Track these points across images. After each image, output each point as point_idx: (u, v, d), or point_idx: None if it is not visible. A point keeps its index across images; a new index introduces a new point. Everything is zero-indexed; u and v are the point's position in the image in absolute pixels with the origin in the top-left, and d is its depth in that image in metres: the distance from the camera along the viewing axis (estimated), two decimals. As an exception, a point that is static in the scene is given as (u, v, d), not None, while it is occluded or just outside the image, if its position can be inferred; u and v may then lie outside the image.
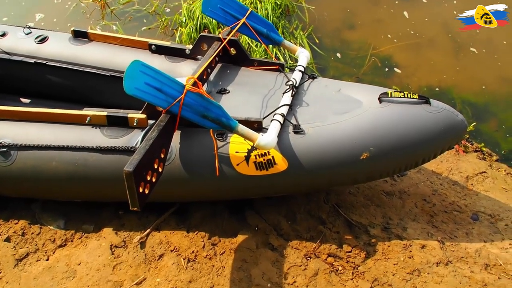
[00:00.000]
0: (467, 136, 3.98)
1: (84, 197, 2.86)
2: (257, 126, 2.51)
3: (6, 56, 3.29)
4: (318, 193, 3.08)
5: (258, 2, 4.86)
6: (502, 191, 3.42)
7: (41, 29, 3.55)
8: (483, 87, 4.50)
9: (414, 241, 2.81)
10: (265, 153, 2.47)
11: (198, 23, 4.72)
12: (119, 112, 2.64)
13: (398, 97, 2.61)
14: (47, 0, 5.42)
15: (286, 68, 3.12)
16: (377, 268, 2.67)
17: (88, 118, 2.62)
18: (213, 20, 4.67)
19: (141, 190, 2.07)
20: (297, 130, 2.53)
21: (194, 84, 2.33)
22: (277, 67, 3.04)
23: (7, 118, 2.71)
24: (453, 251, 2.80)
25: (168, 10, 5.24)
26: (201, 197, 2.79)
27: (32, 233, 2.86)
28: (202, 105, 2.31)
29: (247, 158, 2.49)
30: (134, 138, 2.57)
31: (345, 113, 2.58)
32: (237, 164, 2.50)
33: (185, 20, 4.84)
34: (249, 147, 2.48)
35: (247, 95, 2.84)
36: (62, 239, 2.84)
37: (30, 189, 2.80)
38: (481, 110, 4.32)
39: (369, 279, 2.63)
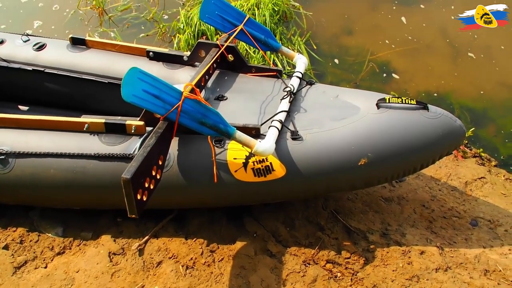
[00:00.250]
0: (466, 141, 3.98)
1: (82, 205, 2.86)
2: (255, 132, 2.51)
3: (4, 64, 3.29)
4: (317, 199, 3.08)
5: (256, 9, 4.87)
6: (501, 197, 3.41)
7: (39, 36, 3.55)
8: (482, 92, 4.50)
9: (413, 247, 2.81)
10: (263, 159, 2.47)
11: (196, 29, 4.72)
12: (117, 119, 2.64)
13: (396, 103, 2.61)
14: (45, 7, 5.43)
15: (284, 75, 3.12)
16: (376, 275, 2.67)
17: (86, 125, 2.62)
18: (211, 27, 4.67)
19: (139, 197, 2.07)
20: (295, 136, 2.53)
21: (192, 91, 2.33)
22: (275, 73, 3.04)
23: (5, 126, 2.71)
24: (452, 257, 2.80)
25: (166, 16, 5.25)
26: (199, 203, 2.79)
27: (30, 241, 2.86)
28: (200, 111, 2.31)
29: (245, 164, 2.49)
30: (132, 145, 2.57)
31: (343, 119, 2.58)
32: (235, 171, 2.50)
33: (183, 26, 4.84)
34: (247, 154, 2.48)
35: (245, 101, 2.84)
36: (61, 247, 2.83)
37: (28, 197, 2.79)
38: (480, 115, 4.32)
39: (368, 286, 2.62)
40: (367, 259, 2.76)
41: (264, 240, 2.82)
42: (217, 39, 3.29)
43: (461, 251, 2.85)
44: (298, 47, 4.77)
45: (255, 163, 2.48)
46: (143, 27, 5.13)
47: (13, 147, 2.63)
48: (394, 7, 5.39)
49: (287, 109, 2.66)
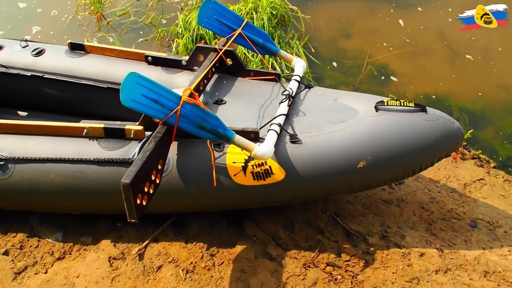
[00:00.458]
0: (465, 143, 3.99)
1: (82, 210, 2.86)
2: (254, 136, 2.52)
3: (3, 69, 3.30)
4: (316, 202, 3.08)
5: (254, 13, 4.88)
6: (500, 198, 3.42)
7: (38, 42, 3.56)
8: (480, 94, 4.51)
9: (413, 249, 2.81)
10: (262, 163, 2.48)
11: (195, 34, 4.73)
12: (116, 124, 2.64)
13: (394, 105, 2.61)
14: (43, 13, 5.44)
15: (283, 78, 3.13)
16: (376, 277, 2.67)
17: (85, 130, 2.62)
18: (209, 31, 4.68)
19: (138, 201, 2.07)
20: (294, 139, 2.53)
21: (191, 95, 2.34)
22: (273, 77, 3.05)
23: (4, 132, 2.71)
24: (452, 258, 2.80)
25: (164, 21, 5.26)
26: (199, 207, 2.79)
27: (30, 246, 2.86)
28: (198, 116, 2.32)
29: (244, 168, 2.49)
30: (132, 150, 2.57)
31: (341, 122, 2.59)
32: (234, 175, 2.50)
33: (182, 31, 4.86)
34: (246, 157, 2.49)
35: (244, 105, 2.84)
36: (60, 252, 2.83)
37: (28, 202, 2.79)
38: (478, 117, 4.33)
39: (368, 288, 2.63)
40: (367, 262, 2.76)
41: (264, 244, 2.82)
42: (215, 43, 3.30)
43: (461, 252, 2.85)
44: (297, 50, 4.78)
45: (254, 166, 2.48)
46: (141, 32, 5.14)
47: (12, 152, 2.63)
48: (392, 10, 5.40)
49: (286, 113, 2.66)
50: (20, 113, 3.53)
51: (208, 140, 2.54)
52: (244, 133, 2.47)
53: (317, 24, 5.19)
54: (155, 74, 3.14)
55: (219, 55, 3.01)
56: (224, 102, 2.88)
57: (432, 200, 3.30)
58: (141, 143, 2.58)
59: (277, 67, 4.51)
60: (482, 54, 4.90)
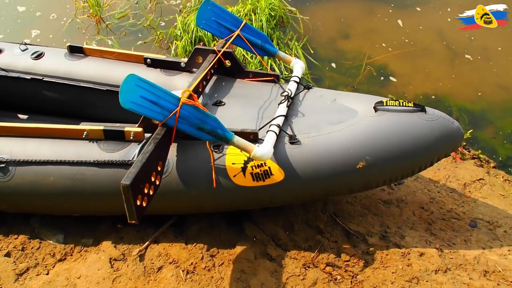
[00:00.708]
0: (464, 143, 3.99)
1: (82, 211, 2.86)
2: (253, 137, 2.52)
3: (2, 73, 3.31)
4: (316, 203, 3.09)
5: (253, 14, 4.88)
6: (500, 198, 3.42)
7: (37, 45, 3.57)
8: (479, 94, 4.51)
9: (412, 249, 2.81)
10: (261, 164, 2.48)
11: (193, 36, 4.74)
12: (116, 126, 2.65)
13: (393, 105, 2.62)
14: (42, 16, 5.45)
15: (281, 79, 3.14)
16: (376, 277, 2.67)
17: (85, 132, 2.63)
18: (208, 33, 4.69)
19: (138, 203, 2.08)
20: (293, 140, 2.53)
21: (190, 96, 2.34)
22: (272, 78, 3.05)
23: (5, 134, 2.72)
24: (452, 258, 2.80)
25: (163, 24, 5.26)
26: (199, 209, 2.79)
27: (32, 248, 2.86)
28: (197, 117, 2.32)
29: (243, 169, 2.50)
30: (131, 152, 2.58)
31: (340, 122, 2.59)
32: (234, 176, 2.51)
33: (180, 33, 4.86)
34: (246, 159, 2.49)
35: (243, 106, 2.85)
36: (62, 253, 2.84)
37: (29, 204, 2.80)
38: (478, 117, 4.34)
39: (368, 288, 2.64)
40: (366, 262, 2.77)
41: (264, 244, 2.83)
42: (214, 45, 3.30)
43: (461, 252, 2.85)
44: (295, 51, 4.79)
45: (254, 167, 2.49)
46: (140, 35, 5.15)
47: (13, 155, 2.64)
48: (390, 10, 5.40)
49: (285, 114, 2.67)
50: (20, 116, 3.54)
51: (207, 142, 2.54)
52: (243, 134, 2.47)
53: (316, 25, 5.20)
54: (154, 76, 3.15)
55: (217, 56, 3.02)
56: (223, 103, 2.89)
57: (432, 200, 3.30)
58: (140, 145, 2.59)
59: (276, 69, 4.52)
60: (482, 54, 4.90)
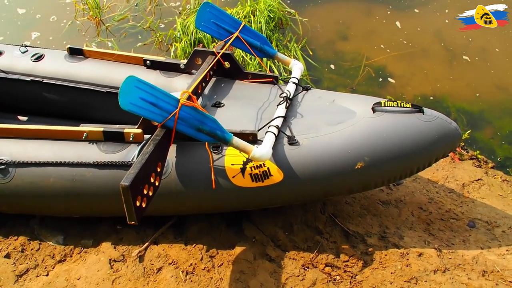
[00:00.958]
0: (463, 144, 4.00)
1: (82, 212, 2.87)
2: (252, 138, 2.53)
3: (3, 75, 3.32)
4: (315, 203, 3.09)
5: (252, 16, 4.89)
6: (499, 198, 3.43)
7: (37, 47, 3.57)
8: (477, 94, 4.52)
9: (411, 249, 2.82)
10: (260, 165, 2.49)
11: (193, 38, 4.75)
12: (115, 128, 2.66)
13: (391, 106, 2.63)
14: (42, 18, 5.46)
15: (280, 81, 3.14)
16: (375, 277, 2.68)
17: (85, 134, 2.64)
18: (207, 35, 4.70)
19: (138, 204, 2.08)
20: (292, 141, 2.54)
21: (189, 98, 2.35)
22: (271, 79, 3.06)
23: (5, 136, 2.73)
24: (450, 258, 2.81)
25: (162, 25, 5.27)
26: (198, 210, 2.80)
27: (32, 249, 2.87)
28: (197, 118, 2.33)
29: (242, 170, 2.50)
30: (131, 153, 2.58)
31: (339, 123, 2.60)
32: (233, 177, 2.52)
33: (180, 35, 4.87)
34: (245, 159, 2.50)
35: (242, 108, 2.86)
36: (61, 255, 2.84)
37: (29, 206, 2.80)
38: (476, 117, 4.35)
39: (367, 288, 2.64)
40: (365, 262, 2.77)
41: (263, 245, 2.84)
42: (213, 47, 3.31)
43: (459, 252, 2.86)
44: (294, 53, 4.80)
45: (253, 168, 2.50)
46: (140, 37, 5.16)
47: (13, 157, 2.65)
48: (389, 12, 5.42)
49: (283, 115, 2.67)
50: (20, 118, 3.55)
51: (206, 143, 2.55)
52: (242, 135, 2.48)
53: (315, 27, 5.21)
54: (154, 77, 3.15)
55: (217, 58, 3.03)
56: (222, 104, 2.90)
57: (431, 200, 3.31)
58: (140, 146, 2.60)
59: (275, 70, 4.53)
60: (479, 55, 4.92)
